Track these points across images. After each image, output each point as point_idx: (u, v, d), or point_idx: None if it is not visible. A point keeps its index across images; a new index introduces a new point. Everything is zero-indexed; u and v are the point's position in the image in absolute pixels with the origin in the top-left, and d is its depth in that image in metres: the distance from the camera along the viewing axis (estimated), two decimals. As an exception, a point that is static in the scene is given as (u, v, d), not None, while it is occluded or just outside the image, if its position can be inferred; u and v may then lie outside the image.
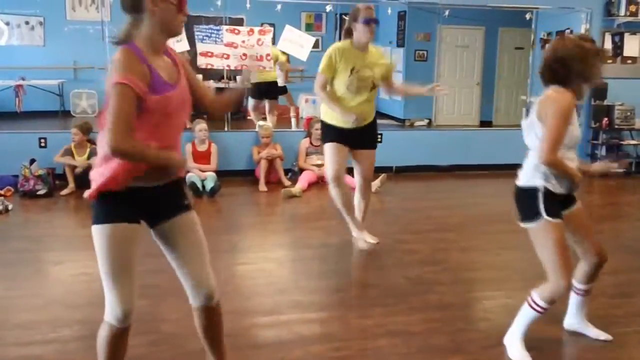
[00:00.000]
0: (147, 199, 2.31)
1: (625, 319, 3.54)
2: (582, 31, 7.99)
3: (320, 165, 6.63)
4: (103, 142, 2.16)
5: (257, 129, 7.36)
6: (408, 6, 7.96)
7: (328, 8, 7.33)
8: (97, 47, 7.45)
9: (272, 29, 7.35)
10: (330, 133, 4.53)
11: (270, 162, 6.84)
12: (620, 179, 7.78)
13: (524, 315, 3.05)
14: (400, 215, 5.87)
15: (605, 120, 7.84)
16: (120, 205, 2.26)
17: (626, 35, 8.03)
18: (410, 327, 3.36)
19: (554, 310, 3.05)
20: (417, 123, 9.52)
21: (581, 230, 3.04)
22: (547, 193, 2.85)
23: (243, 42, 7.02)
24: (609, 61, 8.04)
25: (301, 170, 6.98)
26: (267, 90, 8.15)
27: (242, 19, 8.70)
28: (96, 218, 2.27)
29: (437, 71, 9.75)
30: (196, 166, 6.58)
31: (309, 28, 10.39)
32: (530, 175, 2.90)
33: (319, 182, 6.67)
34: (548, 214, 2.84)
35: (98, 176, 2.25)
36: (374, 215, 5.88)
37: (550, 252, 2.86)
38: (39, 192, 6.14)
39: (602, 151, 7.97)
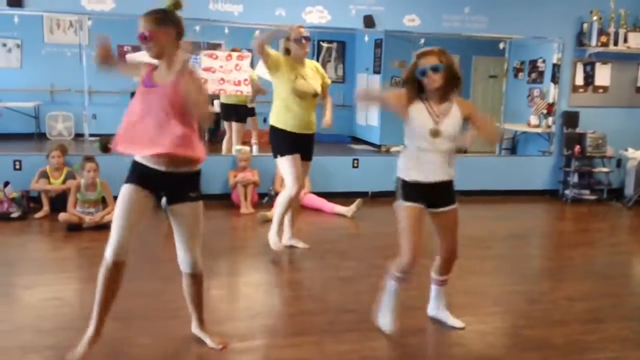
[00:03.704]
0: (159, 180, 3.00)
1: (597, 344, 3.58)
2: (554, 61, 8.19)
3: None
4: None
5: (234, 153, 7.37)
6: (385, 34, 8.08)
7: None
8: (75, 70, 7.46)
9: (250, 54, 7.40)
10: (282, 142, 4.91)
11: (246, 186, 6.85)
12: (592, 205, 7.92)
13: (388, 289, 3.55)
14: (376, 240, 5.89)
15: (577, 147, 7.98)
16: (139, 174, 3.01)
17: (597, 64, 8.21)
18: (386, 352, 3.37)
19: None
20: (393, 149, 9.57)
21: (442, 231, 3.51)
22: (404, 183, 3.39)
23: (221, 67, 7.07)
24: (581, 90, 8.24)
25: (277, 194, 6.97)
26: (236, 112, 8.11)
27: (220, 44, 8.74)
28: (125, 179, 3.03)
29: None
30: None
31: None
32: (399, 167, 3.47)
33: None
34: (403, 199, 3.38)
35: None
36: (349, 240, 5.91)
37: (402, 230, 3.38)
38: (12, 215, 6.06)
39: (574, 178, 8.10)
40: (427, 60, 3.27)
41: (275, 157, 4.99)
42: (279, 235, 5.16)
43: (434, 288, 3.74)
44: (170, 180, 3.01)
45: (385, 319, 3.59)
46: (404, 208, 3.38)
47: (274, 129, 4.94)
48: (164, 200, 3.08)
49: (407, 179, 3.39)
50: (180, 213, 3.08)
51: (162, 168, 2.98)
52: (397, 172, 3.46)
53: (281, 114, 4.89)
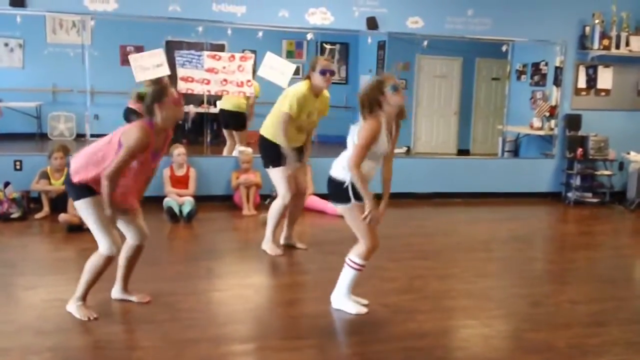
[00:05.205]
0: None
1: (600, 347, 3.56)
2: (557, 63, 8.18)
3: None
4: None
5: (237, 154, 7.36)
6: (388, 36, 8.06)
7: (309, 36, 7.41)
8: (77, 70, 7.44)
9: (253, 55, 7.39)
10: (276, 155, 4.94)
11: (248, 188, 6.84)
12: (594, 208, 7.90)
13: (347, 277, 3.87)
14: (379, 242, 5.87)
15: (579, 150, 7.97)
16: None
17: (600, 67, 8.21)
18: (389, 355, 3.35)
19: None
20: (396, 151, 9.55)
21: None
22: (354, 185, 3.66)
23: (224, 68, 7.06)
24: (583, 93, 8.23)
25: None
26: (234, 120, 8.05)
27: (223, 45, 8.74)
28: (80, 194, 3.49)
29: (416, 100, 9.86)
30: (174, 191, 6.55)
31: (290, 55, 10.43)
32: (343, 170, 3.70)
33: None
34: (356, 199, 3.69)
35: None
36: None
37: (362, 223, 3.74)
38: (12, 216, 6.05)
39: (577, 181, 8.08)
40: (391, 80, 3.59)
41: (267, 167, 5.09)
42: (275, 240, 5.19)
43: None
44: None
45: (354, 305, 3.90)
46: (361, 206, 3.71)
47: (268, 141, 4.99)
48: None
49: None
50: None
51: None
52: (339, 176, 3.72)
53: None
